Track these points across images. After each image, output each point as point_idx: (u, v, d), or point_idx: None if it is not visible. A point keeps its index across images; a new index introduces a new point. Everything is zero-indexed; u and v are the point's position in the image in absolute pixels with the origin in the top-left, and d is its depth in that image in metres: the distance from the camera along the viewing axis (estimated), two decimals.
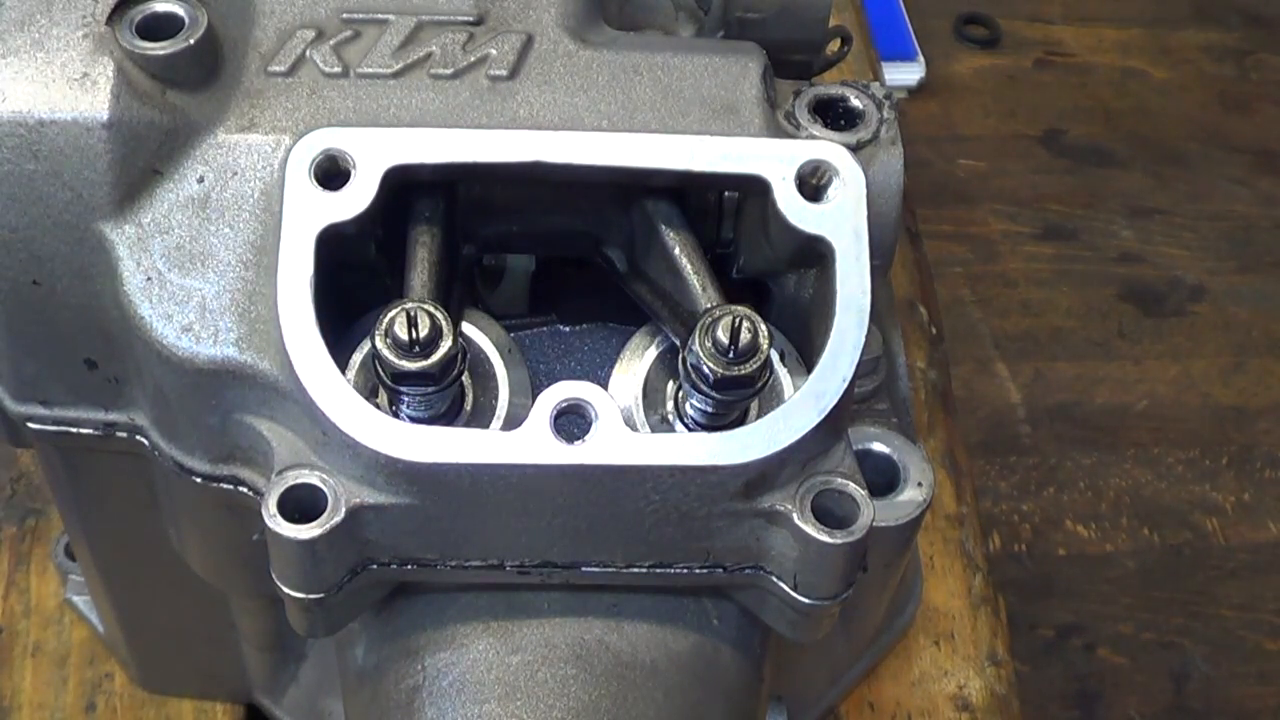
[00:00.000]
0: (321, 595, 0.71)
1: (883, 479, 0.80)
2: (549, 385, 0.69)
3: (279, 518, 0.68)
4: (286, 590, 0.71)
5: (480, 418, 0.73)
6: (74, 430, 0.80)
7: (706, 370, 0.68)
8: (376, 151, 0.70)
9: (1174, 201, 2.61)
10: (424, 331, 0.66)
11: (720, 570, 0.74)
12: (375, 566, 0.72)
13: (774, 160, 0.72)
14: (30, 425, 0.80)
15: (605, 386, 0.73)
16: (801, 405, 0.69)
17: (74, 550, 1.01)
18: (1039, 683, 2.00)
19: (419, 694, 0.77)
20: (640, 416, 0.74)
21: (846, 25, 0.97)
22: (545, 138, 0.71)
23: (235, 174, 0.72)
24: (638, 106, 0.75)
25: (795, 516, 0.70)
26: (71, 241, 0.72)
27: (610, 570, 0.74)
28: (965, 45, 2.83)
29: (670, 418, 0.74)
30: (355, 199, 0.70)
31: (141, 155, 0.71)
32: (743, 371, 0.68)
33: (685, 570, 0.74)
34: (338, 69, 0.74)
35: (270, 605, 0.92)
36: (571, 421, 0.69)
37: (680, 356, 0.70)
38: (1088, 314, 2.44)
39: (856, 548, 0.70)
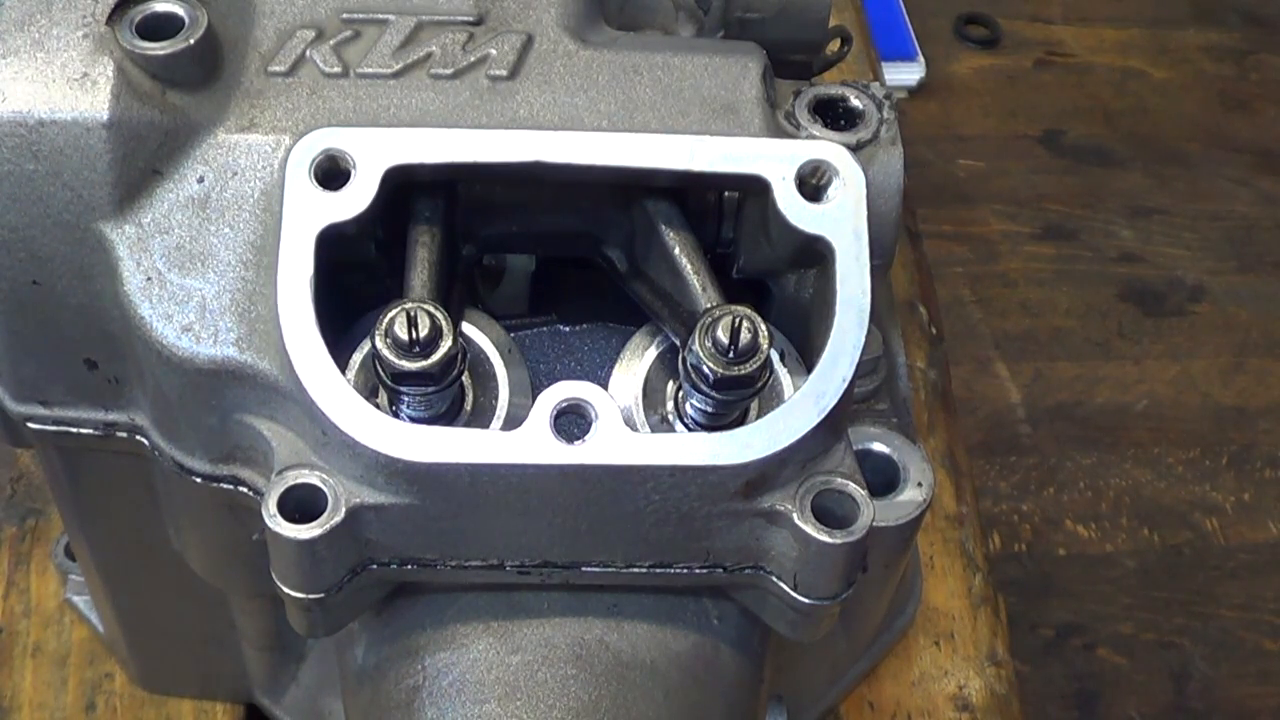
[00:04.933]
0: (321, 595, 0.71)
1: (883, 479, 0.80)
2: (549, 385, 0.69)
3: (279, 518, 0.68)
4: (286, 590, 0.71)
5: (480, 418, 0.73)
6: (74, 430, 0.80)
7: (706, 370, 0.68)
8: (376, 151, 0.70)
9: (1174, 201, 2.61)
10: (424, 331, 0.66)
11: (720, 570, 0.74)
12: (375, 566, 0.72)
13: (774, 160, 0.72)
14: (30, 425, 0.80)
15: (605, 386, 0.73)
16: (801, 405, 0.69)
17: (74, 550, 1.01)
18: (1039, 683, 2.00)
19: (419, 694, 0.77)
20: (640, 416, 0.74)
21: (846, 25, 0.97)
22: (545, 138, 0.71)
23: (235, 174, 0.72)
24: (638, 106, 0.75)
25: (795, 516, 0.70)
26: (71, 241, 0.72)
27: (610, 570, 0.74)
28: (965, 45, 2.83)
29: (670, 418, 0.74)
30: (355, 199, 0.70)
31: (141, 155, 0.71)
32: (743, 371, 0.68)
33: (685, 570, 0.74)
34: (338, 69, 0.74)
35: (270, 605, 0.92)
36: (571, 421, 0.69)
37: (680, 356, 0.70)
38: (1088, 314, 2.44)
39: (856, 548, 0.70)
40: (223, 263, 0.72)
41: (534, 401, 0.69)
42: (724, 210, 0.77)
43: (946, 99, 2.74)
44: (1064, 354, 2.39)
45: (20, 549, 1.17)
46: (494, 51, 0.75)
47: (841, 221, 0.71)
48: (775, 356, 0.74)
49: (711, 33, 0.88)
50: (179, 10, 0.72)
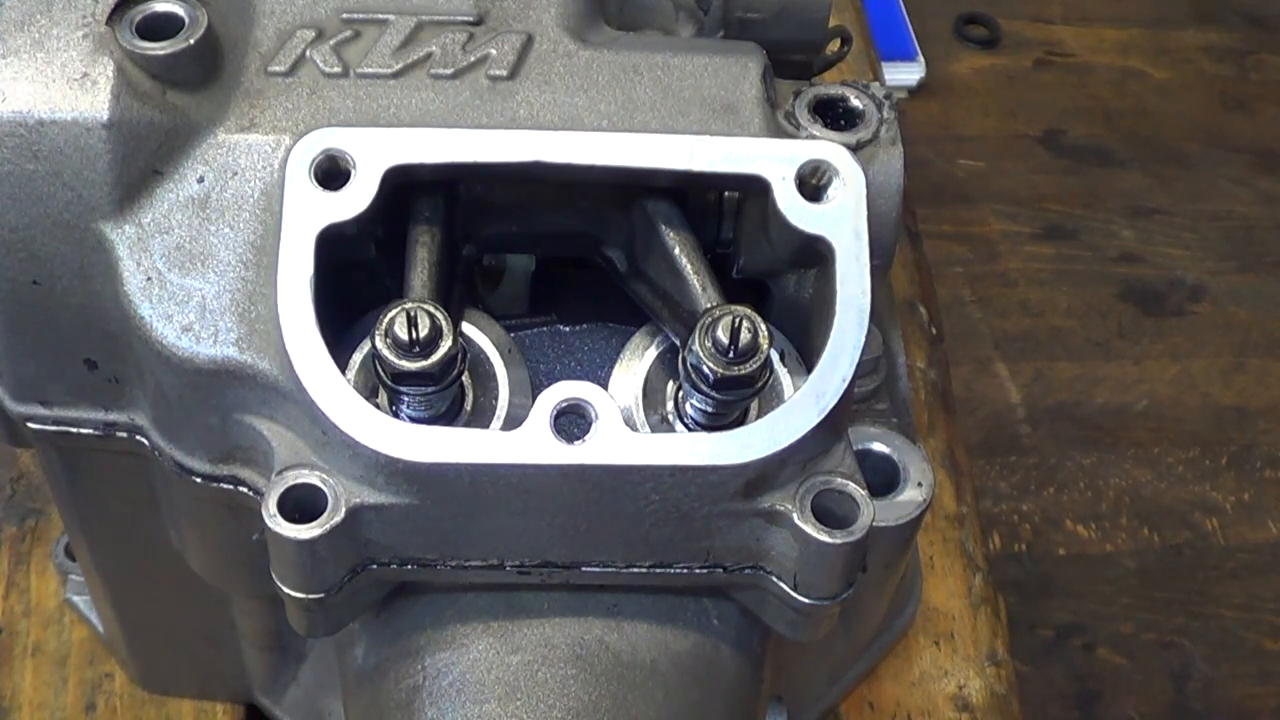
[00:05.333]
0: (321, 595, 0.71)
1: (883, 479, 0.80)
2: (549, 385, 0.69)
3: (279, 518, 0.68)
4: (286, 590, 0.71)
5: (480, 418, 0.73)
6: (74, 430, 0.80)
7: (706, 370, 0.68)
8: (376, 151, 0.70)
9: (1174, 201, 2.61)
10: (424, 331, 0.66)
11: (720, 570, 0.74)
12: (375, 566, 0.72)
13: (774, 160, 0.72)
14: (30, 425, 0.80)
15: (605, 386, 0.73)
16: (801, 405, 0.69)
17: (74, 550, 1.01)
18: (1039, 683, 2.00)
19: (419, 694, 0.77)
20: (640, 416, 0.74)
21: (846, 25, 0.97)
22: (545, 138, 0.71)
23: (235, 174, 0.72)
24: (638, 106, 0.75)
25: (795, 516, 0.70)
26: (71, 241, 0.72)
27: (610, 570, 0.74)
28: (965, 45, 2.83)
29: (670, 418, 0.74)
30: (355, 199, 0.70)
31: (141, 155, 0.71)
32: (743, 371, 0.68)
33: (685, 570, 0.74)
34: (338, 69, 0.74)
35: (270, 605, 0.92)
36: (571, 421, 0.69)
37: (680, 356, 0.70)
38: (1088, 314, 2.44)
39: (856, 548, 0.70)
40: (223, 263, 0.72)
41: (534, 401, 0.69)
42: (724, 210, 0.77)
43: (946, 99, 2.74)
44: (1064, 354, 2.39)
45: (20, 549, 1.17)
46: (494, 51, 0.75)
47: (841, 221, 0.71)
48: (775, 356, 0.74)
49: (711, 33, 0.88)
50: (179, 10, 0.72)
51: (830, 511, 0.71)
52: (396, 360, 0.66)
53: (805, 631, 0.76)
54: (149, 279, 0.71)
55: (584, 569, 0.74)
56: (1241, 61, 2.85)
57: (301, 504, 0.69)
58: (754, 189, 0.73)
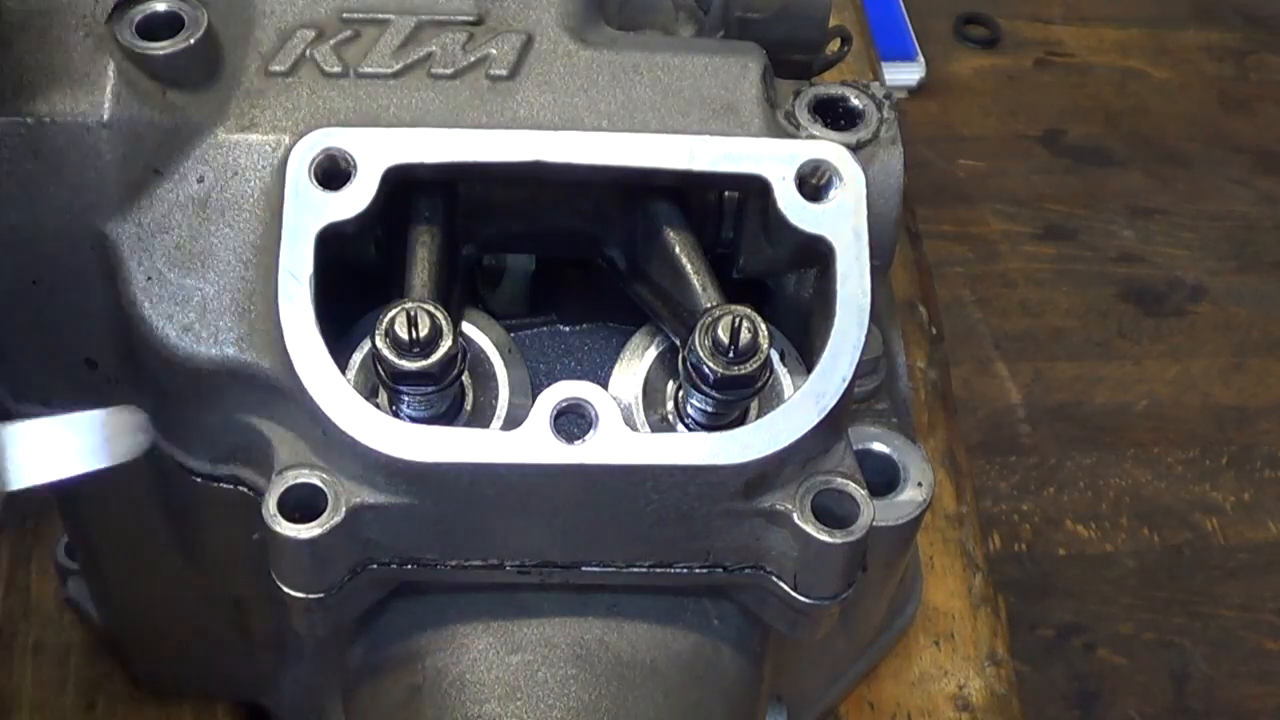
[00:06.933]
0: (322, 595, 0.71)
1: (883, 479, 0.80)
2: (549, 385, 0.69)
3: (279, 517, 0.68)
4: (286, 590, 0.71)
5: (480, 418, 0.73)
6: None
7: (706, 370, 0.68)
8: (376, 151, 0.70)
9: (1174, 201, 2.61)
10: (424, 331, 0.67)
11: (720, 570, 0.74)
12: (375, 566, 0.72)
13: (774, 160, 0.72)
14: None
15: (605, 386, 0.73)
16: (801, 405, 0.69)
17: (74, 550, 1.01)
18: (1039, 683, 2.00)
19: (419, 694, 0.77)
20: (640, 416, 0.74)
21: (846, 25, 0.97)
22: (545, 138, 0.72)
23: (235, 174, 0.72)
24: (638, 106, 0.75)
25: (795, 516, 0.70)
26: (72, 241, 0.72)
27: (610, 570, 0.74)
28: (965, 45, 2.83)
29: (670, 418, 0.74)
30: (355, 199, 0.70)
31: (141, 155, 0.71)
32: (743, 371, 0.68)
33: (685, 570, 0.74)
34: (338, 69, 0.74)
35: (271, 605, 0.92)
36: (571, 421, 0.69)
37: (680, 356, 0.70)
38: (1088, 314, 2.44)
39: (856, 547, 0.70)
40: (223, 262, 0.72)
41: (534, 401, 0.69)
42: (724, 210, 0.77)
43: (946, 99, 2.74)
44: (1064, 354, 2.39)
45: (20, 549, 1.17)
46: (494, 51, 0.75)
47: (841, 221, 0.71)
48: (775, 356, 0.74)
49: (711, 33, 0.88)
50: (179, 10, 0.72)
51: (830, 511, 0.71)
52: (396, 360, 0.66)
53: (806, 631, 0.76)
54: (149, 279, 0.71)
55: (584, 569, 0.74)
56: (1241, 61, 2.85)
57: (301, 504, 0.69)
58: (754, 189, 0.73)
